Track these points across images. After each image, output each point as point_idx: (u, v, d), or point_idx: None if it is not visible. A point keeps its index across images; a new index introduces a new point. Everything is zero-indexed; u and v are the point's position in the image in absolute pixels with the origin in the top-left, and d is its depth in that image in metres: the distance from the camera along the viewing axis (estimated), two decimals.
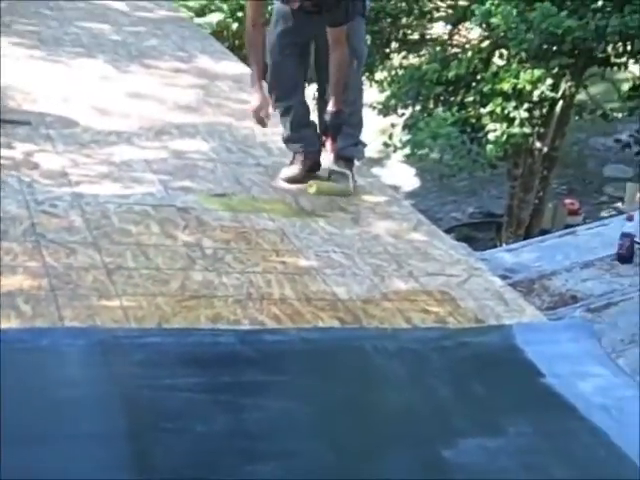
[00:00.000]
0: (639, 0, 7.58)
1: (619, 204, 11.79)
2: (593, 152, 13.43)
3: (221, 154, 4.41)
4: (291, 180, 4.17)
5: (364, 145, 4.34)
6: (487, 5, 8.20)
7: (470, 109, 8.69)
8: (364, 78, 7.31)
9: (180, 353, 2.65)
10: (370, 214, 4.03)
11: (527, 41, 7.81)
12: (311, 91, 5.25)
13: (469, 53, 9.08)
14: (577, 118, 9.71)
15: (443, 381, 2.86)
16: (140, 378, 2.50)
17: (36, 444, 2.13)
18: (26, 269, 2.95)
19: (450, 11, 9.96)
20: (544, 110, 8.97)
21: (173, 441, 2.28)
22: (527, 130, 8.37)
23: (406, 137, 8.87)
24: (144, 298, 2.89)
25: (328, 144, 4.06)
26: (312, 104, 4.35)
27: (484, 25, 8.44)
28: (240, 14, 11.16)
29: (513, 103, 8.23)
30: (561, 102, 9.16)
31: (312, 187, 4.07)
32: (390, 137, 9.46)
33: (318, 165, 4.27)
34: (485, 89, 8.41)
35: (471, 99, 8.73)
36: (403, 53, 9.96)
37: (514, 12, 7.84)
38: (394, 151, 9.67)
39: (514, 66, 8.24)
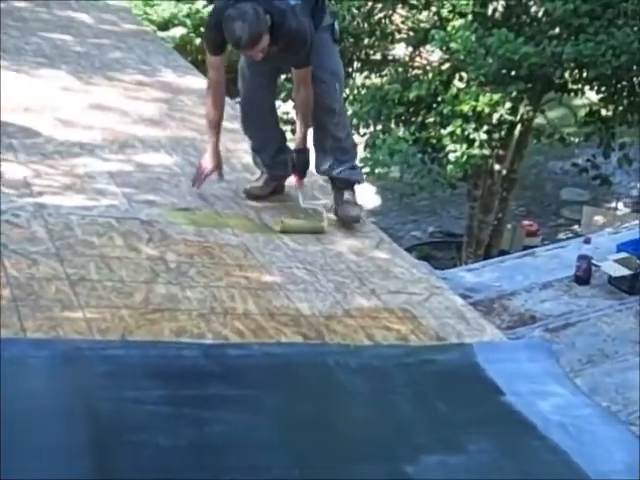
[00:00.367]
0: (593, 29, 7.73)
1: (576, 226, 11.96)
2: (551, 175, 13.61)
3: (185, 168, 4.41)
4: (251, 196, 4.18)
5: (360, 168, 4.37)
6: (447, 30, 8.31)
7: (431, 130, 8.77)
8: None
9: (144, 366, 2.64)
10: (333, 231, 4.05)
11: (485, 66, 7.92)
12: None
13: (430, 75, 9.16)
14: (535, 142, 9.83)
15: (405, 398, 2.88)
16: (103, 390, 2.48)
17: None
18: None
19: (411, 33, 10.05)
20: (503, 133, 9.08)
21: (136, 454, 2.26)
22: (486, 152, 8.46)
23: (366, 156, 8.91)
24: (108, 310, 2.88)
25: (296, 182, 4.04)
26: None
27: (444, 48, 8.54)
28: (203, 29, 11.19)
29: (473, 125, 8.32)
30: (520, 125, 9.28)
31: (278, 224, 3.90)
32: None
33: (282, 189, 4.29)
34: (445, 110, 8.49)
35: (432, 120, 8.81)
36: (365, 73, 10.03)
37: (473, 37, 7.95)
38: None
39: (473, 89, 8.34)
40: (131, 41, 7.05)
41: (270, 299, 3.26)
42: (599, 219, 11.46)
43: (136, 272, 3.20)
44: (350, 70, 9.80)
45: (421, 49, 9.96)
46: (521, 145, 9.69)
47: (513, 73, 8.05)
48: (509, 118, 8.54)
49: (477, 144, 8.21)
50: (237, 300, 3.18)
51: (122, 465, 2.21)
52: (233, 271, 3.41)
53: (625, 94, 8.68)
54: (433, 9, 9.32)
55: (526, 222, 11.49)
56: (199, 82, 6.24)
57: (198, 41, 11.02)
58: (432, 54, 9.87)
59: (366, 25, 9.57)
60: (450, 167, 8.33)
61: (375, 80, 9.79)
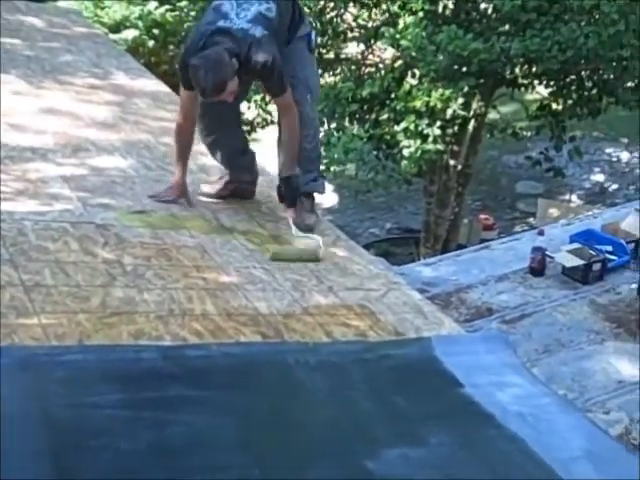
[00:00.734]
0: (539, 25, 7.83)
1: (531, 219, 12.09)
2: (505, 169, 13.75)
3: (140, 171, 4.39)
4: (205, 195, 4.18)
5: (324, 178, 4.37)
6: (396, 28, 8.35)
7: (384, 126, 8.81)
8: None
9: (102, 370, 2.62)
10: (289, 230, 4.05)
11: (436, 62, 7.97)
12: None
13: (382, 72, 9.21)
14: (489, 136, 9.92)
15: (364, 393, 2.90)
16: (61, 396, 2.47)
17: None
18: None
19: (362, 31, 10.08)
20: (456, 128, 9.15)
21: (95, 458, 2.25)
22: (440, 147, 8.52)
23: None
24: (64, 315, 2.86)
25: (287, 212, 3.96)
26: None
27: (395, 45, 8.58)
28: (156, 31, 11.12)
29: (426, 120, 8.37)
30: (473, 121, 9.36)
31: (268, 252, 3.70)
32: None
33: (249, 194, 4.28)
34: (398, 107, 8.53)
35: (385, 117, 8.85)
36: (318, 72, 10.04)
37: (422, 34, 8.00)
38: None
39: (425, 85, 8.39)
40: (82, 44, 7.00)
41: (228, 299, 3.26)
42: (554, 211, 11.60)
43: (92, 276, 3.19)
44: None
45: (373, 47, 10.00)
46: (475, 140, 9.78)
47: (464, 69, 8.11)
48: (462, 113, 8.61)
49: (431, 139, 8.27)
50: (195, 301, 3.18)
51: (82, 470, 2.20)
52: (190, 272, 3.41)
53: (574, 88, 8.81)
54: (383, 7, 9.36)
55: (482, 216, 11.59)
56: (152, 84, 6.23)
57: (151, 43, 10.96)
58: (384, 52, 9.92)
59: (318, 24, 9.59)
60: (404, 163, 8.39)
61: (328, 79, 9.81)
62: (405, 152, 8.36)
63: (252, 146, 4.50)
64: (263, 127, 10.49)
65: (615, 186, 13.18)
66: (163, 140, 4.87)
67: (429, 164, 9.05)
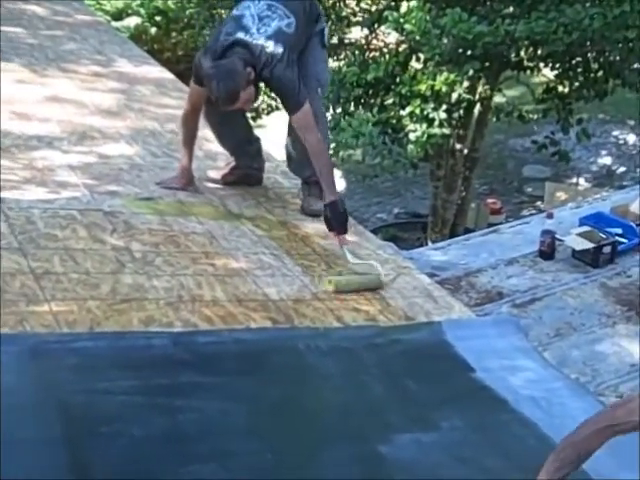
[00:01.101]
0: (544, 6, 7.77)
1: (539, 203, 12.04)
2: (512, 153, 13.69)
3: (146, 158, 4.37)
4: (212, 181, 4.17)
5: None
6: (400, 11, 8.30)
7: (390, 111, 8.77)
8: None
9: (113, 357, 2.62)
10: (297, 216, 4.04)
11: (440, 46, 7.92)
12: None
13: (387, 56, 9.16)
14: (495, 120, 9.86)
15: (376, 378, 2.89)
16: (74, 383, 2.46)
17: None
18: None
19: (366, 16, 10.03)
20: (462, 112, 9.10)
21: (110, 445, 2.25)
22: (446, 131, 8.46)
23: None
24: (74, 302, 2.85)
25: (338, 239, 3.65)
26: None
27: (399, 29, 8.53)
28: (158, 18, 11.09)
29: (432, 105, 8.32)
30: (479, 104, 9.31)
31: (331, 283, 3.40)
32: None
33: (256, 181, 4.27)
34: (404, 91, 8.49)
35: (391, 101, 8.79)
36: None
37: (426, 18, 7.94)
38: None
39: (430, 69, 8.35)
40: (85, 32, 6.98)
41: (237, 285, 3.25)
42: (561, 195, 11.55)
43: (102, 263, 3.18)
44: None
45: (377, 31, 9.95)
46: (481, 124, 9.73)
47: (469, 52, 8.06)
48: (467, 97, 8.56)
49: (437, 123, 8.22)
50: (204, 287, 3.17)
51: (96, 456, 2.20)
52: (199, 259, 3.39)
53: (580, 70, 8.74)
54: None
55: (490, 200, 11.55)
56: (156, 71, 6.21)
57: (153, 30, 10.94)
58: (388, 36, 9.87)
59: (321, 9, 9.54)
60: (411, 147, 8.34)
61: (333, 64, 9.76)
62: (411, 136, 8.31)
63: (257, 132, 4.48)
64: (268, 113, 10.47)
65: (622, 169, 13.12)
66: (168, 127, 4.86)
67: (435, 148, 9.01)
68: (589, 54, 8.45)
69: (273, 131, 7.79)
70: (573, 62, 8.62)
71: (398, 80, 8.70)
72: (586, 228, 4.52)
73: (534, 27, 7.52)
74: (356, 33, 10.53)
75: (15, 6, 7.28)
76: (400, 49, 9.06)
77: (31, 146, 4.27)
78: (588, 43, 7.91)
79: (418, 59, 8.85)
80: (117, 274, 3.11)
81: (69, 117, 4.82)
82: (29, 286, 2.90)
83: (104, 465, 2.18)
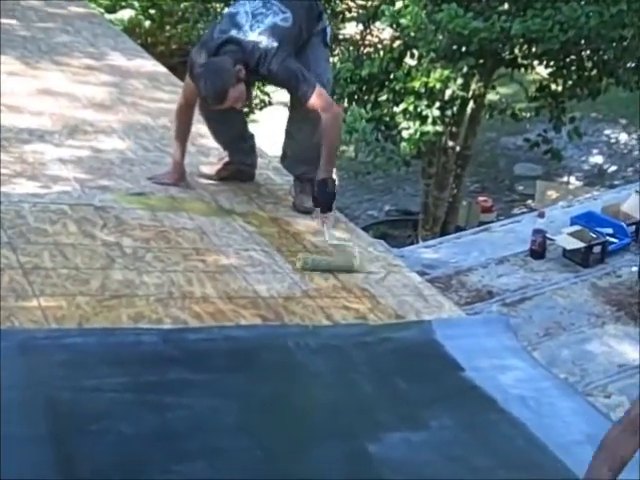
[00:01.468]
0: (540, 4, 7.77)
1: (530, 201, 12.06)
2: (504, 151, 13.71)
3: (138, 152, 4.36)
4: (204, 176, 4.16)
5: None
6: (396, 6, 8.29)
7: (384, 107, 8.77)
8: None
9: (102, 353, 2.61)
10: (289, 212, 4.03)
11: (435, 41, 7.92)
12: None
13: (381, 52, 9.16)
14: (488, 118, 9.88)
15: (366, 376, 2.89)
16: (62, 379, 2.46)
17: None
18: None
19: (361, 11, 10.03)
20: (455, 109, 9.11)
21: (98, 442, 2.24)
22: (439, 128, 8.48)
23: None
24: (63, 298, 2.84)
25: (320, 217, 3.74)
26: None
27: (394, 25, 8.52)
28: (152, 11, 11.05)
29: (425, 102, 8.32)
30: (472, 102, 9.31)
31: (299, 261, 3.46)
32: None
33: (249, 177, 4.26)
34: (398, 87, 8.49)
35: (384, 97, 8.80)
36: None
37: (422, 13, 7.94)
38: None
39: (425, 65, 8.35)
40: (78, 24, 6.95)
41: (228, 282, 3.24)
42: (552, 193, 11.58)
43: (91, 259, 3.17)
44: None
45: (372, 27, 9.95)
46: (474, 121, 9.73)
47: (463, 49, 8.06)
48: (461, 94, 8.57)
49: (430, 121, 8.22)
50: (195, 284, 3.16)
51: (84, 453, 2.19)
52: (190, 255, 3.39)
53: (574, 68, 8.75)
54: None
55: (481, 198, 11.56)
56: (149, 65, 6.19)
57: (147, 24, 10.90)
58: (383, 32, 9.86)
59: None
60: (403, 144, 8.34)
61: None
62: (404, 134, 8.32)
63: (250, 127, 4.47)
64: (261, 109, 10.45)
65: (614, 168, 13.15)
66: (161, 122, 4.84)
67: (428, 146, 9.01)
68: (583, 52, 8.46)
69: (266, 126, 7.77)
70: (567, 60, 8.63)
71: (392, 76, 8.70)
72: (577, 227, 4.54)
73: (530, 25, 7.53)
74: (350, 29, 10.53)
75: None
76: (394, 45, 9.05)
77: (22, 139, 4.25)
78: (583, 41, 7.92)
79: (412, 55, 8.85)
80: (107, 270, 3.10)
81: (61, 110, 4.80)
82: (18, 281, 2.89)
83: (93, 462, 2.17)
